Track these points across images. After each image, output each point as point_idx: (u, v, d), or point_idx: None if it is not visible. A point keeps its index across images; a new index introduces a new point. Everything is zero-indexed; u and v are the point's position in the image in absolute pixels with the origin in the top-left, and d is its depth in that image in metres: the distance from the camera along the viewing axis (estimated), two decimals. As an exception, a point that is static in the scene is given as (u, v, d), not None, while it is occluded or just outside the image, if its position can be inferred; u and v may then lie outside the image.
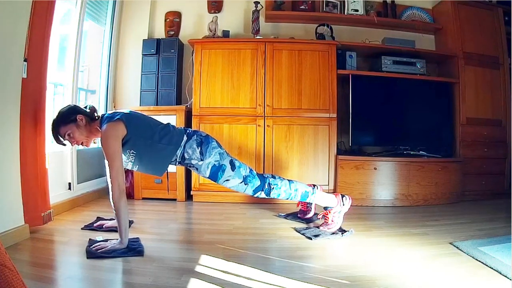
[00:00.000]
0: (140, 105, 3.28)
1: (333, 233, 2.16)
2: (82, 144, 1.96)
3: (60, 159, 2.69)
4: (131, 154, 1.94)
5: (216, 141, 2.11)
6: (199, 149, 2.01)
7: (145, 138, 1.93)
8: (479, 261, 1.69)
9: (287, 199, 2.16)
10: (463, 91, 3.42)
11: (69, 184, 2.76)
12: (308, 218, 2.49)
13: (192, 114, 3.12)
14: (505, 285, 1.44)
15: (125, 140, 1.89)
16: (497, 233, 2.17)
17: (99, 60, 3.45)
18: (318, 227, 2.28)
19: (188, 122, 3.16)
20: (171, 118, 3.05)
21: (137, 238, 1.94)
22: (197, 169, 2.04)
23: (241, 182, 2.05)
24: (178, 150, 2.00)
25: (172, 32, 3.59)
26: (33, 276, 1.44)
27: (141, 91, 3.32)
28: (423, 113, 3.39)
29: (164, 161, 2.02)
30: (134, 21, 3.60)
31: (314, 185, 2.27)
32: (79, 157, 2.90)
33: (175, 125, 2.36)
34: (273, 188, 2.07)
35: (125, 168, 2.02)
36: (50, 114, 2.41)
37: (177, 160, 2.04)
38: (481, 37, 3.52)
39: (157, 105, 3.25)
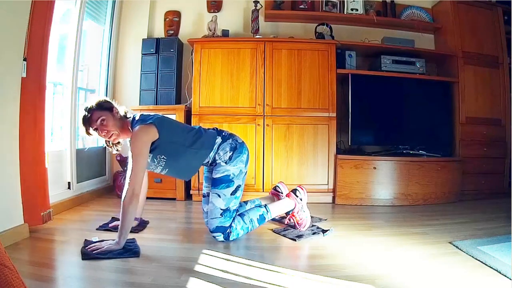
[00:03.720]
0: (139, 104, 3.28)
1: (314, 233, 2.13)
2: (110, 138, 1.90)
3: (60, 158, 2.69)
4: (162, 159, 1.93)
5: (248, 156, 2.08)
6: (231, 153, 2.00)
7: (176, 144, 1.92)
8: (478, 260, 1.69)
9: (247, 233, 2.07)
10: (462, 90, 3.42)
11: (69, 183, 2.76)
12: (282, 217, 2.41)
13: (192, 113, 3.12)
14: (504, 285, 1.45)
15: (156, 144, 1.87)
16: (496, 233, 2.17)
17: (98, 60, 3.45)
18: (293, 226, 2.25)
19: (188, 122, 3.15)
20: (170, 117, 3.04)
21: (133, 239, 1.92)
22: (216, 165, 2.02)
23: (220, 209, 1.97)
24: (212, 153, 1.99)
25: (172, 32, 3.59)
26: (32, 276, 1.44)
27: (140, 91, 3.32)
28: (422, 113, 3.39)
29: (195, 165, 2.02)
30: (134, 20, 3.60)
31: (265, 204, 2.21)
32: (79, 156, 2.89)
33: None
34: (231, 232, 1.98)
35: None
36: (50, 113, 2.41)
37: (209, 161, 2.02)
38: (481, 37, 3.52)
39: (156, 104, 3.25)
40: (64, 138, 2.81)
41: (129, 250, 1.76)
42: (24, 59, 1.98)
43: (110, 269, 1.57)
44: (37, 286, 1.35)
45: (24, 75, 1.98)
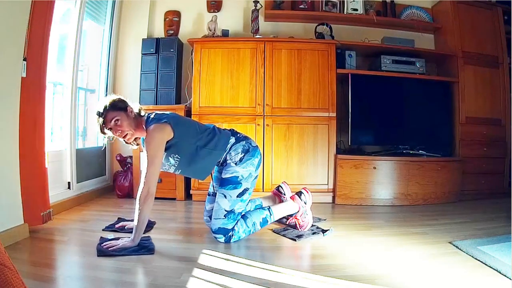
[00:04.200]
0: (139, 104, 3.27)
1: (314, 233, 2.13)
2: (125, 137, 1.89)
3: (60, 158, 2.69)
4: (176, 159, 1.93)
5: (260, 161, 2.07)
6: (242, 155, 2.00)
7: (190, 143, 1.93)
8: (478, 260, 1.69)
9: (249, 235, 2.06)
10: (462, 90, 3.42)
11: (69, 183, 2.76)
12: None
13: (192, 113, 3.12)
14: (504, 285, 1.45)
15: (170, 144, 1.88)
16: (496, 233, 2.17)
17: (98, 59, 3.45)
18: (293, 227, 2.23)
19: (188, 122, 3.15)
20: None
21: (149, 236, 1.95)
22: (226, 165, 2.01)
23: (225, 210, 1.95)
24: (224, 153, 2.00)
25: (172, 31, 3.59)
26: (32, 276, 1.44)
27: (140, 90, 3.31)
28: (422, 113, 3.39)
29: (209, 165, 2.02)
30: (134, 20, 3.60)
31: (269, 207, 2.19)
32: (79, 156, 2.89)
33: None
34: (232, 235, 1.96)
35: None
36: (50, 113, 2.40)
37: (220, 161, 2.03)
38: (481, 36, 3.53)
39: (156, 104, 3.25)
40: (64, 138, 2.81)
41: (144, 247, 1.78)
42: (24, 59, 1.98)
43: (110, 269, 1.57)
44: (37, 286, 1.35)
45: (24, 75, 1.98)
